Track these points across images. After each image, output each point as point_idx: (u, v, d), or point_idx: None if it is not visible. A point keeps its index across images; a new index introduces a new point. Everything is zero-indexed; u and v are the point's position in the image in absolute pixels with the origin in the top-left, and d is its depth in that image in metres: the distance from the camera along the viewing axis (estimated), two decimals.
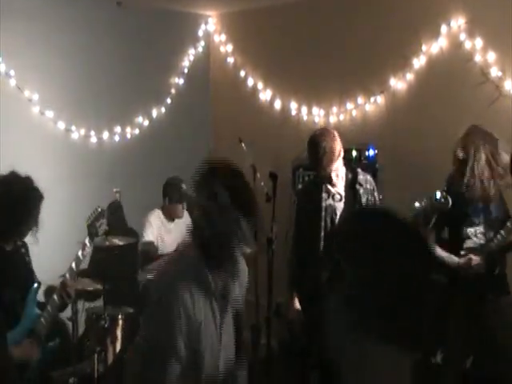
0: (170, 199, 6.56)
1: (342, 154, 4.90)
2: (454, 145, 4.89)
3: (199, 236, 2.91)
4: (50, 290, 4.62)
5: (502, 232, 4.69)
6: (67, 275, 4.46)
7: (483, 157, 4.74)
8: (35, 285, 4.33)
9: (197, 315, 2.86)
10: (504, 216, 4.85)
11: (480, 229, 4.83)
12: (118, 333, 5.90)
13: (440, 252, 4.84)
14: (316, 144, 4.82)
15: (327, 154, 4.79)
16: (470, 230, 4.83)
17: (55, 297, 4.34)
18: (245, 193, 2.94)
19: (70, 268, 4.53)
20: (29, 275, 4.40)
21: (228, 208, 2.81)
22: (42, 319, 4.23)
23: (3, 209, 4.15)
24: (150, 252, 6.41)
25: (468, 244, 4.83)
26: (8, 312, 3.93)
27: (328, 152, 4.79)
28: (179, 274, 2.90)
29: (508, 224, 4.68)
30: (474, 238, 4.82)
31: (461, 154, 4.79)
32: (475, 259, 4.74)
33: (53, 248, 6.07)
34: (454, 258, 4.81)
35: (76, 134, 7.23)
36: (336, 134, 4.92)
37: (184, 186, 6.50)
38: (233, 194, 2.85)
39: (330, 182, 4.89)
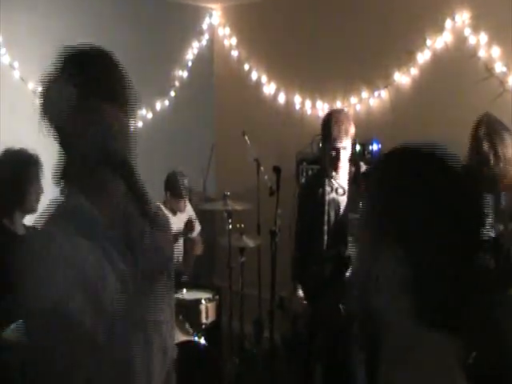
0: (171, 193, 6.55)
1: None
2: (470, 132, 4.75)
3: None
4: None
5: None
6: None
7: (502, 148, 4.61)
8: None
9: (82, 265, 1.95)
10: None
11: (488, 220, 4.77)
12: None
13: None
14: (333, 116, 4.84)
15: (342, 125, 4.78)
16: None
17: None
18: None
19: None
20: None
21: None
22: None
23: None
24: None
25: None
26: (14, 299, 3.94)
27: (343, 124, 4.79)
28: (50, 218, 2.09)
29: None
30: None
31: (486, 146, 4.64)
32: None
33: None
34: None
35: None
36: (349, 114, 4.96)
37: (186, 181, 6.52)
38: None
39: (338, 159, 4.85)
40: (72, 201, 2.08)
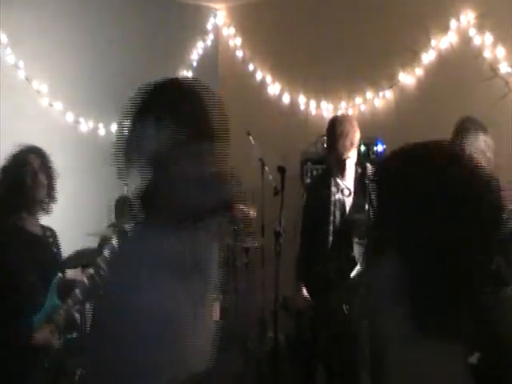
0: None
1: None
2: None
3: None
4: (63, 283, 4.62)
5: None
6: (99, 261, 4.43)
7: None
8: (59, 275, 4.33)
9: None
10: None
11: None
12: None
13: None
14: (337, 126, 4.83)
15: (347, 137, 4.79)
16: None
17: (77, 291, 4.32)
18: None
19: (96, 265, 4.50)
20: (53, 264, 4.37)
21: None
22: (61, 310, 4.23)
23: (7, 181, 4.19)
24: None
25: None
26: (29, 297, 3.98)
27: (348, 135, 4.79)
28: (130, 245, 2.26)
29: None
30: None
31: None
32: None
33: (60, 240, 6.08)
34: None
35: (84, 125, 7.24)
36: (355, 120, 4.95)
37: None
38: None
39: (343, 168, 4.87)
40: (157, 232, 2.10)
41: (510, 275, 4.74)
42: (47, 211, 4.35)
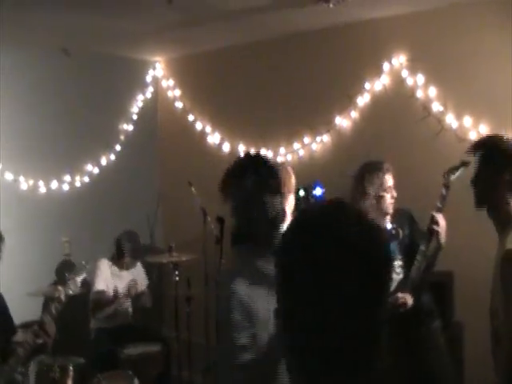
0: (123, 252, 6.54)
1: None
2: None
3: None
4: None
5: (418, 257, 4.59)
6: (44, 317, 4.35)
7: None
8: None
9: (257, 305, 2.81)
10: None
11: (398, 263, 4.73)
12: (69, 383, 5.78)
13: None
14: None
15: (283, 186, 4.78)
16: None
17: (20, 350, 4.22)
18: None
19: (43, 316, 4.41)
20: None
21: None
22: (3, 372, 4.11)
23: None
24: (102, 300, 6.36)
25: (392, 285, 4.60)
26: None
27: (284, 184, 4.79)
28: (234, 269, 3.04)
29: (421, 247, 4.60)
30: (395, 276, 4.68)
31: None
32: (401, 296, 4.59)
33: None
34: None
35: (24, 184, 7.16)
36: (290, 169, 4.96)
37: (139, 240, 6.57)
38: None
39: (283, 215, 4.87)
40: (252, 260, 2.96)
41: (437, 311, 4.85)
42: None
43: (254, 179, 3.04)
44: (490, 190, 3.38)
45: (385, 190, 4.80)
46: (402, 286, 4.66)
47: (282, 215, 3.09)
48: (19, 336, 4.79)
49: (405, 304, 4.58)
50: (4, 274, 5.83)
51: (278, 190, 3.11)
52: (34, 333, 4.25)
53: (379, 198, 4.80)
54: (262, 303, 2.78)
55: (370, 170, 4.91)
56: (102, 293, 6.40)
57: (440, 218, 4.55)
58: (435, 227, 4.54)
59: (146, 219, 7.74)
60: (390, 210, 4.83)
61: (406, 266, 4.70)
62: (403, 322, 4.51)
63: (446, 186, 4.56)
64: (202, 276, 6.05)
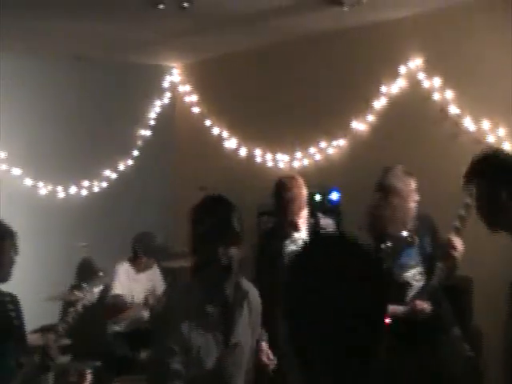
0: (139, 253, 6.58)
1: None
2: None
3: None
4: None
5: (439, 264, 4.31)
6: (51, 336, 4.35)
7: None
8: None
9: (193, 341, 3.05)
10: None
11: (418, 270, 4.52)
12: None
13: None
14: (283, 191, 4.80)
15: (295, 202, 4.77)
16: (408, 275, 4.48)
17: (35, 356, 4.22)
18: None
19: (55, 328, 4.41)
20: (8, 332, 4.26)
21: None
22: (19, 376, 4.11)
23: None
24: (117, 305, 6.38)
25: (411, 291, 4.46)
26: None
27: (296, 199, 4.77)
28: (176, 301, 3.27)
29: (438, 265, 4.32)
30: (415, 283, 4.49)
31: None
32: (419, 304, 4.40)
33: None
34: (399, 308, 4.38)
35: (43, 189, 7.22)
36: (301, 180, 4.92)
37: (156, 241, 6.57)
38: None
39: (296, 228, 4.85)
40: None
41: (454, 318, 4.74)
42: (3, 282, 4.30)
43: (209, 228, 3.11)
44: (500, 212, 3.28)
45: (402, 186, 4.52)
46: (420, 293, 4.54)
47: (233, 265, 3.12)
48: (38, 340, 4.79)
49: (423, 311, 4.48)
50: (22, 279, 5.85)
51: (231, 242, 3.11)
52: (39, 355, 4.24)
53: (397, 193, 4.55)
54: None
55: (388, 170, 4.67)
56: (117, 297, 6.41)
57: (458, 243, 4.18)
58: (452, 252, 4.20)
59: (163, 224, 7.73)
60: (412, 214, 4.64)
61: (427, 273, 4.58)
62: (422, 330, 4.43)
63: (467, 206, 3.97)
64: None
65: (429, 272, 4.47)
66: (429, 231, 4.63)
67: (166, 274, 6.99)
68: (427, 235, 4.59)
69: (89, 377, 5.86)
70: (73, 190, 7.44)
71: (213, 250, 3.11)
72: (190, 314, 3.07)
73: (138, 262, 6.63)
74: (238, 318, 3.21)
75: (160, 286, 6.75)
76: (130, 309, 6.42)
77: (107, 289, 6.44)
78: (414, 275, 4.51)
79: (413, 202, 4.56)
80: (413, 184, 4.59)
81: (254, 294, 3.37)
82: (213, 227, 3.13)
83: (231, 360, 3.17)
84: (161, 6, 5.32)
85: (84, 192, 7.52)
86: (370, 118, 6.44)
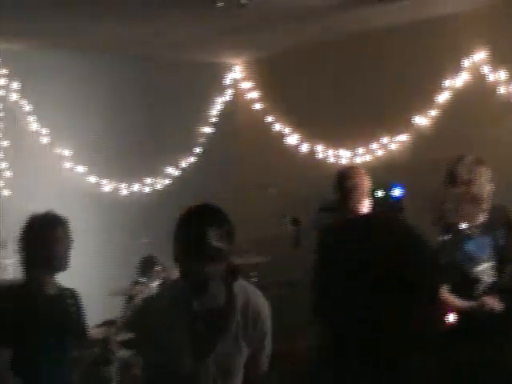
0: None
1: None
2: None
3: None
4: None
5: None
6: (111, 330, 4.42)
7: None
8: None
9: (172, 338, 2.97)
10: None
11: (489, 264, 4.29)
12: None
13: (451, 299, 4.26)
14: (344, 181, 4.77)
15: (357, 191, 4.73)
16: (478, 270, 4.27)
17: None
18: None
19: (116, 322, 4.48)
20: (68, 327, 4.34)
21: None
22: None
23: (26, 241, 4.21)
24: None
25: (481, 286, 4.25)
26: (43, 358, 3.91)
27: (358, 188, 4.73)
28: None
29: None
30: (486, 278, 4.26)
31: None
32: (489, 300, 4.19)
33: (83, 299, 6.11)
34: (467, 303, 4.25)
35: (107, 187, 7.33)
36: (363, 171, 4.88)
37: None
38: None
39: None
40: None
41: None
42: (61, 270, 4.37)
43: (183, 243, 3.05)
44: None
45: (475, 176, 4.33)
46: (491, 289, 4.29)
47: (206, 282, 2.96)
48: (99, 334, 4.88)
49: (492, 309, 4.30)
50: (86, 274, 5.98)
51: (207, 257, 2.94)
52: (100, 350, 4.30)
53: (469, 183, 4.33)
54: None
55: (460, 159, 4.48)
56: None
57: None
58: None
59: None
60: (484, 198, 4.42)
61: (499, 269, 4.40)
62: (489, 326, 4.25)
63: None
64: (279, 278, 6.05)
65: (501, 268, 4.29)
66: (503, 224, 4.42)
67: None
68: (501, 228, 4.38)
69: None
70: (136, 187, 7.53)
71: (185, 265, 2.99)
72: (161, 321, 3.01)
73: None
74: (220, 330, 3.00)
75: None
76: None
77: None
78: (485, 270, 4.29)
79: (485, 193, 4.36)
80: (486, 174, 4.41)
81: (254, 301, 3.10)
82: (187, 242, 3.02)
83: (212, 371, 2.99)
84: (219, 4, 5.34)
85: (147, 189, 7.61)
86: (433, 112, 6.36)
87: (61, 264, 4.29)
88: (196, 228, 3.03)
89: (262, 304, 3.14)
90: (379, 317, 1.43)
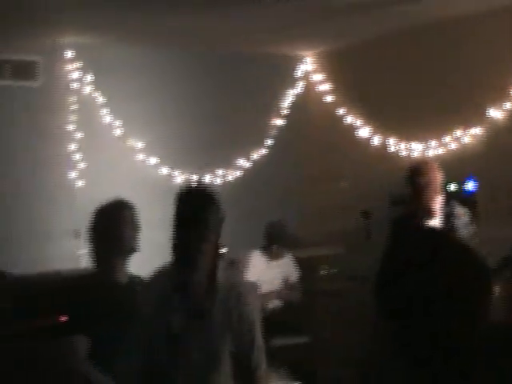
0: (271, 242, 6.64)
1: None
2: None
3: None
4: None
5: None
6: None
7: None
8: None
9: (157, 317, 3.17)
10: None
11: None
12: None
13: None
14: (417, 176, 4.73)
15: (430, 187, 4.68)
16: None
17: None
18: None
19: None
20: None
21: None
22: None
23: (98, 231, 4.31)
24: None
25: None
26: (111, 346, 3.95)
27: (430, 184, 4.68)
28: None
29: None
30: None
31: None
32: None
33: None
34: None
35: (179, 178, 7.40)
36: (436, 164, 4.82)
37: (287, 230, 6.61)
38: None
39: (431, 215, 4.76)
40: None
41: None
42: (131, 253, 4.45)
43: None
44: None
45: None
46: None
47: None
48: None
49: None
50: (156, 265, 6.04)
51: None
52: None
53: None
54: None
55: None
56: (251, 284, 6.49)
57: None
58: None
59: (295, 213, 7.76)
60: None
61: None
62: None
63: None
64: (349, 271, 6.02)
65: None
66: None
67: (298, 263, 7.03)
68: None
69: None
70: (207, 178, 7.59)
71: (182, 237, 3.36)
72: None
73: (269, 250, 6.69)
74: (204, 323, 3.10)
75: (293, 275, 6.80)
76: (262, 297, 6.49)
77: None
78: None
79: None
80: None
81: (239, 287, 3.25)
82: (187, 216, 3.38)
83: (199, 364, 3.07)
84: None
85: (218, 181, 7.67)
86: (508, 105, 6.22)
87: (130, 247, 4.37)
88: (198, 204, 3.35)
89: (247, 292, 3.25)
90: (441, 311, 1.49)
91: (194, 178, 7.50)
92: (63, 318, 4.67)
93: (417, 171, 4.77)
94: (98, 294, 4.20)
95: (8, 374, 3.38)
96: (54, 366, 3.72)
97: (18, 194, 6.45)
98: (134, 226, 4.42)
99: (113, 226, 4.34)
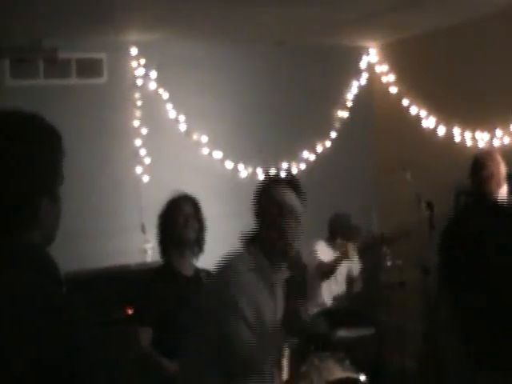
0: (335, 234, 6.65)
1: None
2: None
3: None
4: None
5: None
6: None
7: None
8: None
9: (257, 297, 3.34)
10: None
11: None
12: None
13: None
14: (480, 168, 4.68)
15: (494, 178, 4.63)
16: None
17: None
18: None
19: None
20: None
21: None
22: None
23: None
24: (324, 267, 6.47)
25: None
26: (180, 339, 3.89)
27: (494, 176, 4.63)
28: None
29: None
30: None
31: None
32: None
33: None
34: None
35: (244, 172, 7.44)
36: (499, 156, 4.77)
37: (351, 222, 6.59)
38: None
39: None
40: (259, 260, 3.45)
41: None
42: (196, 255, 4.51)
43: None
44: None
45: None
46: None
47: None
48: None
49: None
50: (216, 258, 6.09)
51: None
52: None
53: None
54: None
55: None
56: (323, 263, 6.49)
57: None
58: None
59: (361, 205, 7.72)
60: None
61: None
62: None
63: None
64: (415, 261, 5.97)
65: None
66: None
67: (365, 254, 7.01)
68: None
69: (286, 353, 6.01)
70: (272, 172, 7.61)
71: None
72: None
73: (333, 242, 6.69)
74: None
75: (357, 267, 6.79)
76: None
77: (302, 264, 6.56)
78: None
79: None
80: None
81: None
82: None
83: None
84: None
85: (283, 174, 7.66)
86: None
87: (194, 240, 4.44)
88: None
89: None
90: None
91: (258, 171, 7.52)
92: (131, 311, 4.79)
93: (480, 164, 4.73)
94: (164, 287, 4.30)
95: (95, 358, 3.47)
96: (123, 353, 3.85)
97: (87, 190, 6.59)
98: (199, 221, 4.50)
99: (176, 219, 4.43)
